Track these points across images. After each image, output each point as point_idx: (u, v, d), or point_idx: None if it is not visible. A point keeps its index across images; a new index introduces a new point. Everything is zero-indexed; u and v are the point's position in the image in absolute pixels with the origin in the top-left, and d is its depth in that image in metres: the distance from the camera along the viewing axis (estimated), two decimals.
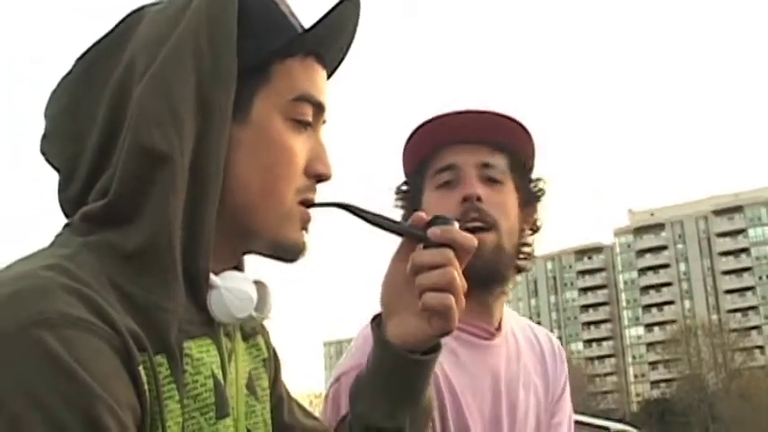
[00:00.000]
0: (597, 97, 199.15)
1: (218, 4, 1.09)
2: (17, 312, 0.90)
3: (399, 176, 1.98)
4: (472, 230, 1.73)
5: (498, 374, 1.88)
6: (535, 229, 1.95)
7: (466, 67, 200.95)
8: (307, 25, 1.17)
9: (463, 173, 1.85)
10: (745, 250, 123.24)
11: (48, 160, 1.14)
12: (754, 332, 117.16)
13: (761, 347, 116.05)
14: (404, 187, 1.93)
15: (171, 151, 1.02)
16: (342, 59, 1.24)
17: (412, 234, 1.23)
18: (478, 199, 1.81)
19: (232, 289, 1.10)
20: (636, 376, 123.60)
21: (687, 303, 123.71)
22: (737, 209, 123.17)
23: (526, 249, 1.92)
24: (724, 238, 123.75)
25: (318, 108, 1.17)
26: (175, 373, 1.01)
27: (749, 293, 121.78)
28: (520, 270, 1.93)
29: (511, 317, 1.97)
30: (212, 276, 1.09)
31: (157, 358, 0.99)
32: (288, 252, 1.16)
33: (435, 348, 1.26)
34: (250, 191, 1.10)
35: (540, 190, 1.95)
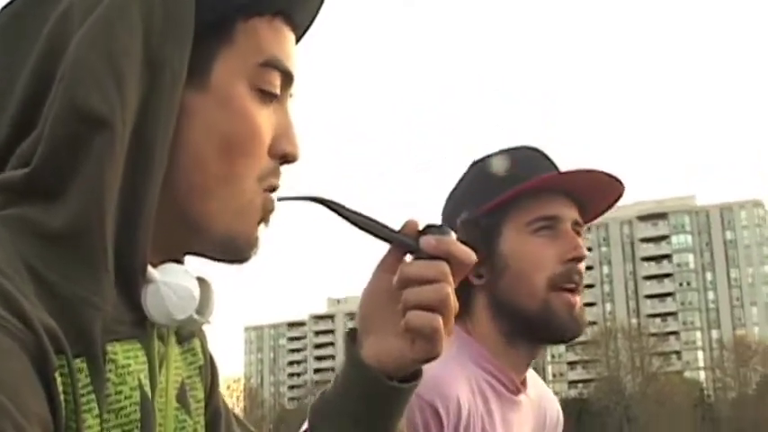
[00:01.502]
0: (536, 98, 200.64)
1: None
2: None
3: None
4: (567, 291, 1.73)
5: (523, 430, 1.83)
6: None
7: (464, 56, 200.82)
8: None
9: (564, 228, 1.78)
10: (667, 257, 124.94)
11: None
12: (672, 337, 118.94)
13: (678, 353, 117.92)
14: (482, 219, 1.78)
15: (110, 115, 0.86)
16: (310, 24, 1.09)
17: (402, 242, 1.07)
18: (582, 259, 1.78)
19: (172, 285, 0.93)
20: (554, 375, 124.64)
21: (608, 306, 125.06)
22: (662, 215, 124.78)
23: None
24: (647, 244, 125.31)
25: (287, 77, 1.01)
26: (96, 381, 0.85)
27: (669, 299, 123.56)
28: None
29: (530, 375, 1.89)
30: (150, 269, 0.93)
31: (76, 362, 0.82)
32: (237, 251, 0.98)
33: (416, 375, 1.09)
34: (204, 170, 0.94)
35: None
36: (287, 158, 1.00)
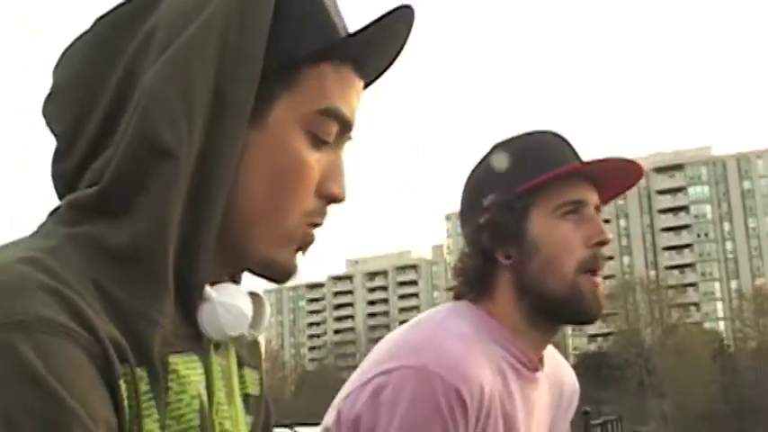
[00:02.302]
0: (543, 51, 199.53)
1: None
2: None
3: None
4: (593, 273, 1.80)
5: (532, 410, 1.85)
6: None
7: (460, 51, 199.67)
8: (352, 28, 1.03)
9: (588, 212, 1.84)
10: (684, 208, 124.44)
11: (48, 124, 1.03)
12: (690, 289, 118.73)
13: (696, 304, 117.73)
14: (513, 202, 1.82)
15: (178, 145, 0.92)
16: (383, 72, 1.11)
17: None
18: (607, 243, 1.84)
19: (226, 304, 1.00)
20: (573, 329, 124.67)
21: (626, 259, 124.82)
22: (678, 167, 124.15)
23: None
24: (664, 196, 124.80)
25: (345, 126, 1.04)
26: (156, 389, 0.91)
27: (687, 251, 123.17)
28: None
29: (548, 351, 1.95)
30: (207, 288, 0.99)
31: (138, 371, 0.89)
32: (276, 274, 1.05)
33: None
34: (253, 202, 1.00)
35: None
36: (333, 199, 1.04)
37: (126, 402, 0.86)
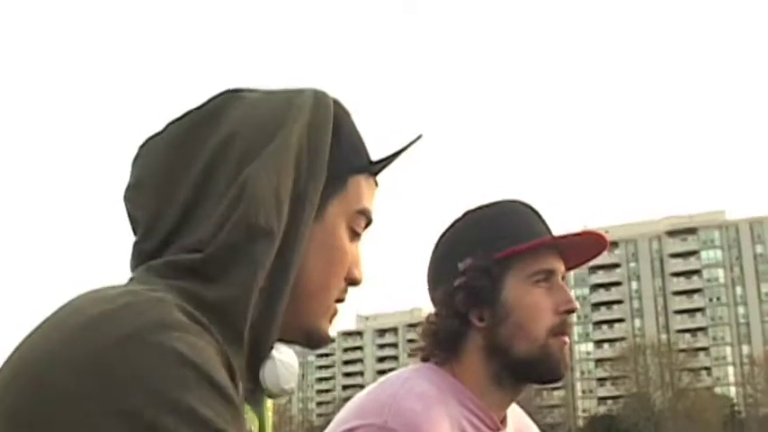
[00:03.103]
0: (555, 113, 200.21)
1: (321, 110, 1.21)
2: (134, 319, 0.96)
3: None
4: (565, 336, 1.91)
5: None
6: None
7: (460, 64, 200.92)
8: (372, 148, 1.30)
9: (557, 281, 1.94)
10: (696, 272, 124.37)
11: (129, 208, 1.20)
12: (701, 353, 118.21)
13: (708, 368, 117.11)
14: (488, 266, 1.92)
15: (271, 232, 1.11)
16: None
17: None
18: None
19: (284, 362, 1.17)
20: (583, 392, 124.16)
21: (637, 322, 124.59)
22: (691, 230, 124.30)
23: None
24: (676, 259, 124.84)
25: (369, 222, 1.27)
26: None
27: (699, 315, 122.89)
28: None
29: (512, 409, 2.03)
30: None
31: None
32: (318, 341, 1.23)
33: None
34: (309, 281, 1.18)
35: None
36: (355, 282, 1.26)
37: (240, 400, 1.02)
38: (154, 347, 0.94)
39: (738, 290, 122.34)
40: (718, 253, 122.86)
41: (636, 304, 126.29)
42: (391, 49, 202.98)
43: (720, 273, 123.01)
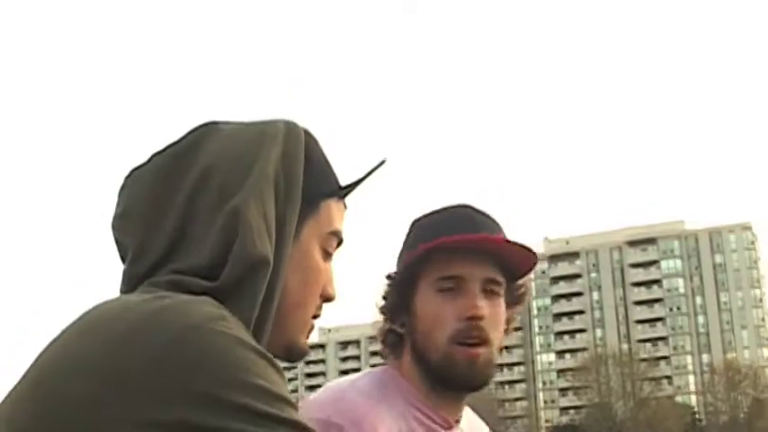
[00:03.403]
0: (517, 124, 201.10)
1: (293, 140, 1.29)
2: (187, 313, 1.06)
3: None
4: (469, 345, 1.85)
5: None
6: (510, 327, 2.01)
7: (460, 64, 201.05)
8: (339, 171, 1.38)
9: (468, 287, 1.89)
10: (656, 282, 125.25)
11: (117, 236, 1.28)
12: (662, 362, 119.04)
13: (669, 378, 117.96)
14: (398, 277, 1.97)
15: (268, 258, 1.19)
16: None
17: None
18: (481, 318, 1.87)
19: None
20: (546, 402, 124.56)
21: (599, 332, 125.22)
22: (651, 240, 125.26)
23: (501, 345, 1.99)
24: (637, 269, 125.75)
25: (340, 242, 1.35)
26: None
27: (659, 324, 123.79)
28: None
29: (467, 412, 2.04)
30: None
31: None
32: (297, 354, 1.32)
33: None
34: (289, 299, 1.26)
35: (523, 294, 2.02)
36: (329, 299, 1.34)
37: None
38: (217, 334, 1.04)
39: (698, 299, 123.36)
40: (678, 263, 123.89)
41: (597, 314, 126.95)
42: (391, 49, 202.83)
43: (680, 282, 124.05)
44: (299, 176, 1.27)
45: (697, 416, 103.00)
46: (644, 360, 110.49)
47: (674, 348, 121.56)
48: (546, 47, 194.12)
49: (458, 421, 1.97)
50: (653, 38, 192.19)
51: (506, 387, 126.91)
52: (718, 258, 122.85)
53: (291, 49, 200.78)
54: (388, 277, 1.97)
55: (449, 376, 1.86)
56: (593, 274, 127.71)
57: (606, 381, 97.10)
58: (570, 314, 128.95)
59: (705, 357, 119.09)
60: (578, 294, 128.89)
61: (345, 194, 1.37)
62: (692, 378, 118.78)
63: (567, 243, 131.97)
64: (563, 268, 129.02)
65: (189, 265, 1.20)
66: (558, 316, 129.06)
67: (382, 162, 1.37)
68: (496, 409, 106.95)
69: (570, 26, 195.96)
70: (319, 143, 1.36)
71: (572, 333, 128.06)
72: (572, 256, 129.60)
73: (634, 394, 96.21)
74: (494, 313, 1.90)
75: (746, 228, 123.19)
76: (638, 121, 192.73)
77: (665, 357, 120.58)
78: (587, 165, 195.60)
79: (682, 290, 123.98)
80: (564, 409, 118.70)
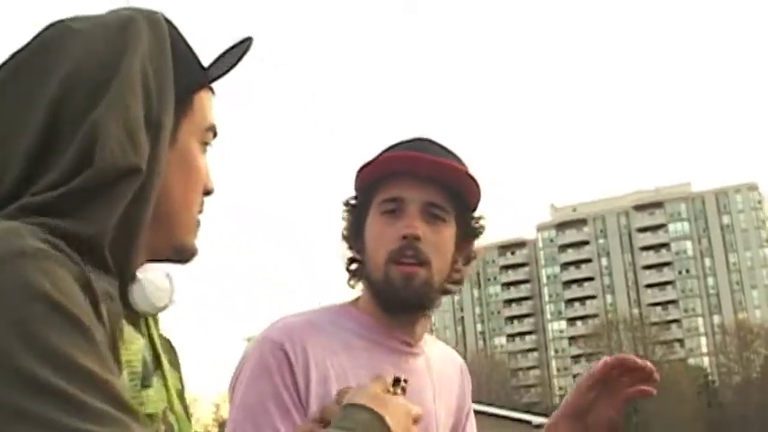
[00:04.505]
0: (520, 92, 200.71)
1: (158, 34, 1.21)
2: None
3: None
4: (405, 264, 1.91)
5: (413, 374, 1.96)
6: (468, 261, 2.06)
7: (460, 64, 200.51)
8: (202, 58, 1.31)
9: (408, 208, 1.94)
10: (665, 245, 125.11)
11: None
12: (674, 325, 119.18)
13: (680, 341, 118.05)
14: (352, 202, 2.03)
15: (132, 169, 1.12)
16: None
17: None
18: (416, 238, 1.91)
19: (151, 280, 1.21)
20: (558, 370, 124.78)
21: (609, 298, 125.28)
22: (658, 204, 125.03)
23: (456, 277, 2.03)
24: (644, 233, 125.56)
25: (215, 135, 1.31)
26: (122, 336, 1.12)
27: (669, 287, 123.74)
28: (446, 292, 2.04)
29: (427, 337, 2.09)
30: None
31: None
32: (187, 255, 1.28)
33: None
34: (172, 203, 1.22)
35: (481, 227, 2.05)
36: (209, 193, 1.31)
37: (107, 322, 1.05)
38: (7, 280, 0.96)
39: (707, 261, 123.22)
40: (686, 225, 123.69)
41: (606, 280, 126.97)
42: (391, 49, 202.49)
43: (689, 245, 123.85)
44: (170, 75, 1.20)
45: (710, 377, 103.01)
46: (655, 324, 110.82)
47: (685, 311, 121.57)
48: (546, 30, 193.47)
49: (416, 341, 2.02)
50: (657, 1, 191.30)
51: (519, 356, 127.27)
52: (726, 219, 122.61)
53: (291, 49, 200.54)
54: (346, 204, 2.04)
55: (387, 295, 1.92)
56: (601, 240, 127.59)
57: (618, 346, 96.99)
58: (580, 281, 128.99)
59: (716, 319, 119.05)
60: (587, 261, 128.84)
61: (213, 81, 1.30)
62: (703, 340, 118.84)
63: (574, 210, 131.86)
64: (571, 235, 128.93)
65: (46, 184, 1.11)
66: (567, 283, 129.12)
67: (247, 39, 1.31)
68: (510, 378, 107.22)
69: (570, 8, 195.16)
70: (178, 30, 1.28)
71: (582, 300, 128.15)
72: (579, 222, 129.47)
73: (646, 358, 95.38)
74: (435, 237, 1.94)
75: (753, 188, 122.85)
76: (641, 83, 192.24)
77: (676, 320, 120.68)
78: (591, 131, 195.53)
79: (690, 252, 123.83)
80: (577, 376, 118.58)
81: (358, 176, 2.00)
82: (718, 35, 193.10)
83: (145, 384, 1.17)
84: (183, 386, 1.36)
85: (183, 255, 1.28)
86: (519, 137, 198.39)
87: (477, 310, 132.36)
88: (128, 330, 1.16)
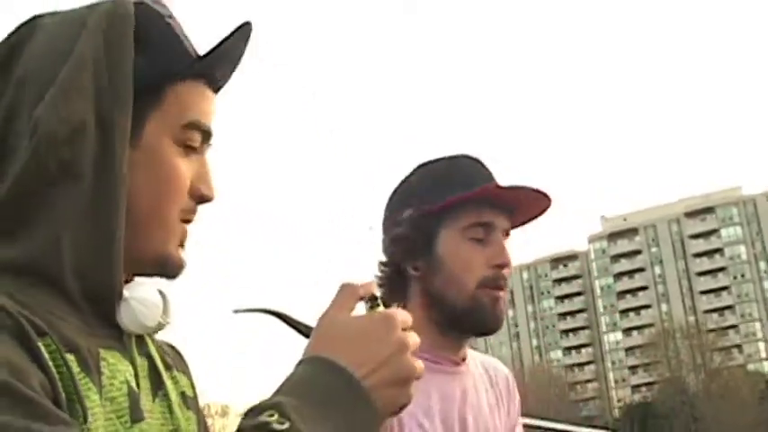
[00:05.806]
0: (568, 105, 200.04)
1: (116, 23, 1.09)
2: None
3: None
4: (495, 289, 1.96)
5: (465, 397, 2.02)
6: None
7: (461, 63, 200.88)
8: (200, 48, 1.19)
9: (495, 235, 1.99)
10: (718, 250, 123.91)
11: None
12: (731, 331, 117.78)
13: (738, 346, 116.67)
14: (418, 219, 2.00)
15: (70, 169, 1.03)
16: (229, 78, 1.24)
17: None
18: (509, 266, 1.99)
19: (139, 298, 1.11)
20: (616, 381, 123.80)
21: (664, 306, 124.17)
22: (709, 210, 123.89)
23: None
24: (697, 240, 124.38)
25: (206, 134, 1.17)
26: (89, 371, 1.01)
27: (724, 293, 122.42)
28: None
29: (471, 352, 2.13)
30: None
31: (67, 355, 0.97)
32: (169, 268, 1.16)
33: None
34: (141, 210, 1.10)
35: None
36: (203, 199, 1.17)
37: (52, 366, 0.94)
38: None
39: (762, 265, 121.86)
40: (738, 230, 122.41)
41: (661, 289, 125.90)
42: (391, 50, 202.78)
43: (742, 249, 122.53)
44: (126, 66, 1.08)
45: None
46: (712, 331, 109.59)
47: (742, 316, 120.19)
48: (569, 26, 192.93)
49: (464, 360, 2.06)
50: (693, 3, 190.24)
51: (576, 369, 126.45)
52: None
53: (291, 49, 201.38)
54: (409, 220, 1.99)
55: (474, 318, 1.94)
56: (654, 249, 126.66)
57: (675, 355, 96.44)
58: (634, 291, 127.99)
59: None
60: (640, 270, 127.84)
61: (199, 74, 1.16)
62: (762, 345, 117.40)
63: (625, 220, 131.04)
64: (622, 245, 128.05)
65: None
66: (621, 294, 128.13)
67: (246, 24, 1.17)
68: (568, 392, 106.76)
69: (602, 7, 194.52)
70: (167, 17, 1.16)
71: (637, 310, 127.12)
72: (631, 232, 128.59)
73: (705, 366, 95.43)
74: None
75: None
76: (685, 89, 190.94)
77: (733, 326, 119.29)
78: (636, 139, 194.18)
79: (744, 257, 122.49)
80: (635, 387, 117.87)
81: (437, 198, 1.97)
82: (766, 30, 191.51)
83: (135, 419, 1.07)
84: (194, 391, 1.28)
85: (165, 268, 1.15)
86: (568, 148, 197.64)
87: (532, 324, 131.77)
88: (112, 360, 1.07)
